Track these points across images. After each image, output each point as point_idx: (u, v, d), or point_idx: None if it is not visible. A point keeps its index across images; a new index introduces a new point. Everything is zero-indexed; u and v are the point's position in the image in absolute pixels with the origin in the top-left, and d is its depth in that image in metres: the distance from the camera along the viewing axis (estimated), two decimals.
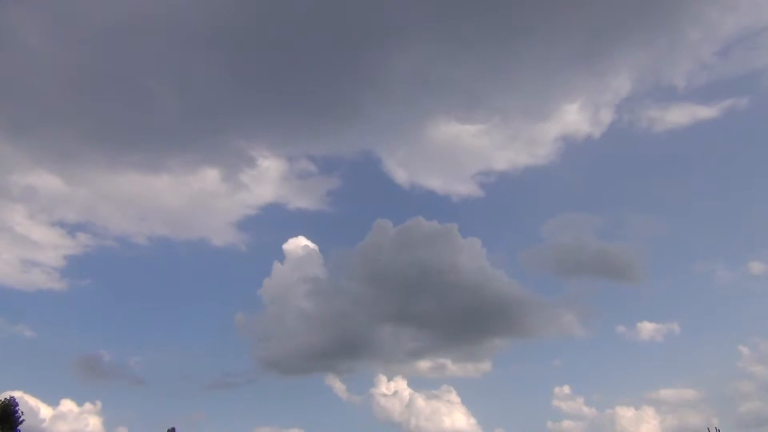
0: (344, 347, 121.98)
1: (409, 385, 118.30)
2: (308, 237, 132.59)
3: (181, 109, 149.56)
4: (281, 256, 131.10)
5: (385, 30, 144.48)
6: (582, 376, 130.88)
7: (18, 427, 61.22)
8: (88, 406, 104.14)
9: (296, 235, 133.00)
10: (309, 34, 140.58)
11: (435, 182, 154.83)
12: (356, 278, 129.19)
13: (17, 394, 63.52)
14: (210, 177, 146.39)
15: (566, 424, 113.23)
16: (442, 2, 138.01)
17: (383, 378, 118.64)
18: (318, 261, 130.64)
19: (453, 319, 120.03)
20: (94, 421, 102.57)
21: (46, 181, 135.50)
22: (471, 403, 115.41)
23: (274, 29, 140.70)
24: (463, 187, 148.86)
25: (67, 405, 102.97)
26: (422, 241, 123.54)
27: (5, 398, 62.01)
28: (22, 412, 61.99)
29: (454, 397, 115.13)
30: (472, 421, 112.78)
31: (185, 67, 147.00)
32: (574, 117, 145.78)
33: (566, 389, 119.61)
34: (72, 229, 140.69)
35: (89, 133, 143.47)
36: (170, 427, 75.89)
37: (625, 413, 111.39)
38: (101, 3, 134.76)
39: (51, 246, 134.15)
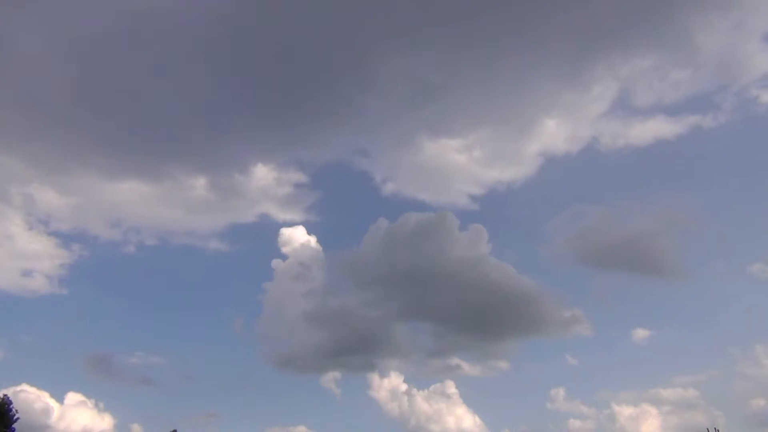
0: (347, 347, 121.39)
1: (414, 384, 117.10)
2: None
3: (177, 116, 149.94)
4: (280, 259, 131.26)
5: (378, 40, 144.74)
6: (589, 375, 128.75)
7: (13, 425, 61.26)
8: (97, 404, 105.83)
9: (292, 238, 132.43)
10: (300, 42, 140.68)
11: (426, 195, 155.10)
12: (357, 278, 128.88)
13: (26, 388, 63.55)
14: (204, 183, 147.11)
15: (577, 423, 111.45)
16: (434, 14, 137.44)
17: (387, 376, 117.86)
18: (319, 257, 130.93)
19: (465, 315, 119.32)
20: (107, 419, 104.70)
21: (43, 190, 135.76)
22: (480, 403, 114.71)
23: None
24: (457, 199, 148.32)
25: (76, 399, 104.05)
26: (421, 236, 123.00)
27: None
28: (16, 410, 62.06)
29: (458, 396, 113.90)
30: (478, 421, 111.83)
31: (181, 75, 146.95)
32: (554, 131, 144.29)
33: (574, 389, 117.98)
34: (68, 237, 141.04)
35: (86, 140, 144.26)
36: (173, 428, 76.11)
37: (638, 413, 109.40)
38: (97, 12, 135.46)
39: (48, 255, 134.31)
